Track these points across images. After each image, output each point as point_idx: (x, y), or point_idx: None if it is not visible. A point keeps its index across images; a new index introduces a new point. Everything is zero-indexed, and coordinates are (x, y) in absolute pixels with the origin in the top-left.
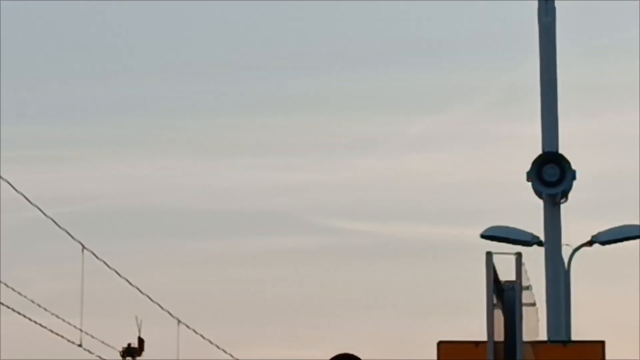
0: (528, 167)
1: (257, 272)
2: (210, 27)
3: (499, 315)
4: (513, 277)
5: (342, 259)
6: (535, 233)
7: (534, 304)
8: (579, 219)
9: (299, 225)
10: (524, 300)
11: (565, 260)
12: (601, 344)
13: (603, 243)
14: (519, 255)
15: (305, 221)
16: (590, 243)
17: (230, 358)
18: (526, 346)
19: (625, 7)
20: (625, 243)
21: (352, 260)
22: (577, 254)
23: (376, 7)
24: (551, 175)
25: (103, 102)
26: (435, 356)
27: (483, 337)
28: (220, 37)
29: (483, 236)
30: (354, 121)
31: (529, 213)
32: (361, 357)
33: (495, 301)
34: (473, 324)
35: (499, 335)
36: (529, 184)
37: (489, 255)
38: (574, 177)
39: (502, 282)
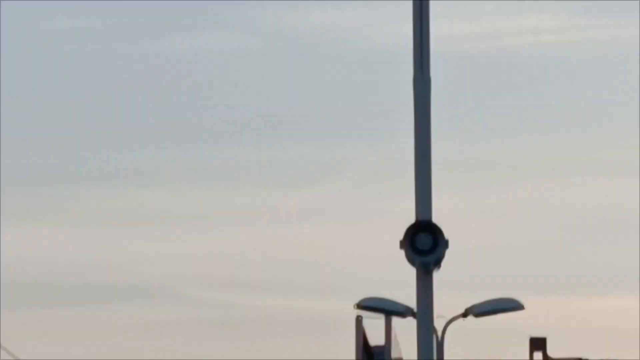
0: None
1: (130, 343)
2: (47, 92)
3: None
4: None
5: (215, 331)
6: (410, 305)
7: None
8: (452, 291)
9: (171, 296)
10: None
11: (439, 332)
12: None
13: (477, 315)
14: (388, 319)
15: (176, 293)
16: (464, 315)
17: None
18: None
19: (497, 81)
20: (498, 316)
21: (225, 333)
22: (451, 326)
23: (251, 77)
24: (424, 243)
25: None
26: None
27: None
28: (73, 105)
29: (358, 306)
30: (228, 193)
31: (403, 285)
32: None
33: None
34: None
35: None
36: (402, 254)
37: (358, 319)
38: (446, 246)
39: (372, 347)
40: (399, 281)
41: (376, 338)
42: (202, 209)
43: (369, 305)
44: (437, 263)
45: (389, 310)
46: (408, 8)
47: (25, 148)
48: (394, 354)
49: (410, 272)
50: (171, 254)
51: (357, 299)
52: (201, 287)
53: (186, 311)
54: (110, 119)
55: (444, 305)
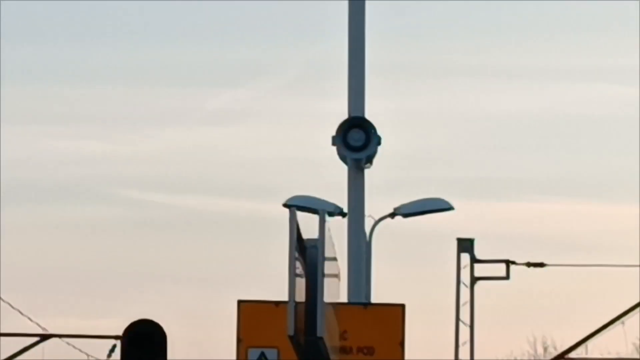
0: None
1: (53, 241)
2: None
3: (301, 281)
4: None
5: (139, 230)
6: (341, 205)
7: (337, 276)
8: (381, 192)
9: (95, 196)
10: (328, 271)
11: (367, 232)
12: (401, 307)
13: (405, 215)
14: (322, 212)
15: (102, 192)
16: (392, 215)
17: (30, 322)
18: (327, 306)
19: None
20: (426, 217)
21: (149, 232)
22: (379, 226)
23: None
24: (356, 139)
25: None
26: (235, 316)
27: (284, 299)
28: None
29: (286, 205)
30: (155, 93)
31: (333, 187)
32: (160, 324)
33: (298, 268)
34: (274, 290)
35: (300, 298)
36: (334, 153)
37: (292, 211)
38: (379, 143)
39: (304, 240)
40: (330, 182)
41: (309, 233)
42: (127, 108)
43: (297, 204)
44: (369, 159)
45: (317, 209)
46: None
47: None
48: (327, 253)
49: (341, 173)
50: (97, 153)
51: (285, 199)
52: (128, 186)
53: (112, 210)
54: (31, 15)
55: (373, 206)
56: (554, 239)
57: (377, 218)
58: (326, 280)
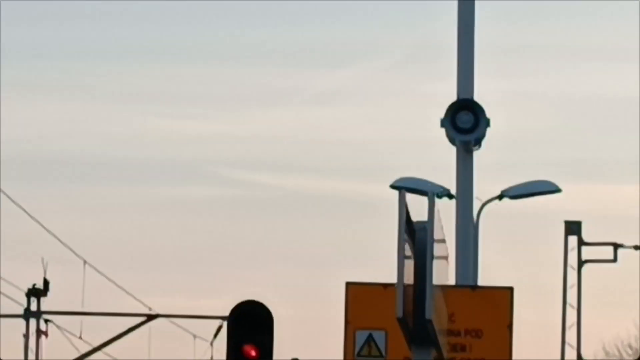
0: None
1: (161, 220)
2: None
3: (409, 263)
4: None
5: (245, 210)
6: (448, 187)
7: (446, 258)
8: (489, 174)
9: (203, 176)
10: (437, 253)
11: (475, 214)
12: (509, 290)
13: (513, 197)
14: (431, 194)
15: (209, 172)
16: (500, 197)
17: (136, 302)
18: (436, 289)
19: None
20: (534, 199)
21: (255, 212)
22: (486, 208)
23: None
24: (465, 121)
25: (11, 45)
26: (343, 299)
27: (392, 282)
28: None
29: (394, 187)
30: (262, 74)
31: (440, 168)
32: (266, 304)
33: (407, 250)
34: (381, 272)
35: (409, 280)
36: (443, 133)
37: (402, 194)
38: (487, 125)
39: (413, 223)
40: (437, 163)
41: (416, 215)
42: (235, 90)
43: (405, 185)
44: (478, 142)
45: (424, 191)
46: None
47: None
48: (436, 235)
49: (449, 154)
50: (205, 134)
51: (392, 180)
52: (234, 166)
53: (219, 190)
54: None
55: (480, 188)
56: None
57: (484, 200)
58: (435, 263)
